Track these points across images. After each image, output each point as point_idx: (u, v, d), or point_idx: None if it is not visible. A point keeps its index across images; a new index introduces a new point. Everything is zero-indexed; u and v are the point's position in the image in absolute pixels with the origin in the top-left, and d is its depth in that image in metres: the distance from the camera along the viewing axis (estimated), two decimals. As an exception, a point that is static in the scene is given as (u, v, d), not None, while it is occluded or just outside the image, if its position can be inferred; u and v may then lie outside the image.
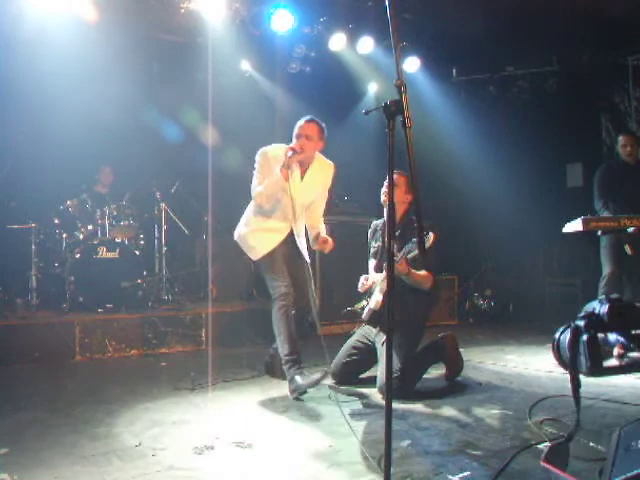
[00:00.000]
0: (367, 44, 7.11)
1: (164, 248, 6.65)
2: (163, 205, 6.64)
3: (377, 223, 4.41)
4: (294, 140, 3.93)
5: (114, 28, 5.85)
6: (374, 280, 4.15)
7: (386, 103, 2.14)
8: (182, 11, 5.99)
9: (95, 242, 5.93)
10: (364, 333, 4.23)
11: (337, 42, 7.01)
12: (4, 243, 5.90)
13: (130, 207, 6.38)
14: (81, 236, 6.12)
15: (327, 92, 7.49)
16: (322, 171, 4.10)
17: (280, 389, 4.04)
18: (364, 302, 4.21)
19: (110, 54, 5.87)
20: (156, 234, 6.75)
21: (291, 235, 4.02)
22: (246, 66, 7.32)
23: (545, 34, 6.78)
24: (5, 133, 5.94)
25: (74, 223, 6.18)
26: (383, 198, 4.10)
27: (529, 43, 7.12)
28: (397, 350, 3.82)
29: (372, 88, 8.18)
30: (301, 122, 3.96)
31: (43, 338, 4.96)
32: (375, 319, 4.09)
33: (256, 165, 4.00)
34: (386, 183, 4.12)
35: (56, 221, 6.17)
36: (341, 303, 6.66)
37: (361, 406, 3.63)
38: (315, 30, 6.88)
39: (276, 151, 3.95)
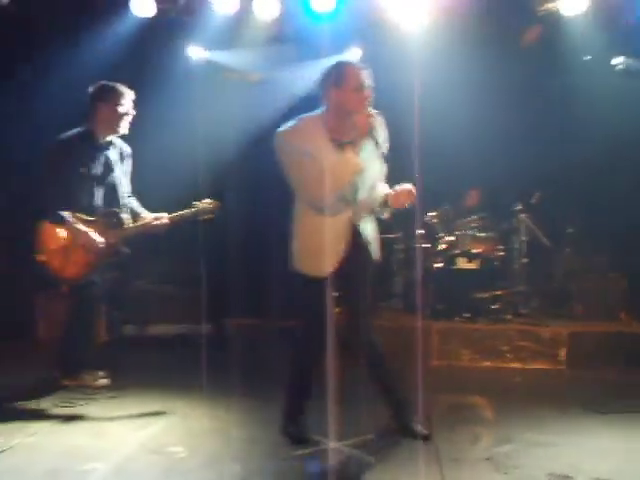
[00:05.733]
0: None
1: (523, 260, 6.44)
2: (523, 216, 6.45)
3: None
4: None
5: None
6: None
7: None
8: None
9: (455, 252, 6.14)
10: None
11: None
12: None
13: (489, 218, 6.40)
14: (443, 246, 6.37)
15: None
16: None
17: None
18: None
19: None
20: (515, 245, 6.59)
21: None
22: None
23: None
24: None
25: (435, 234, 6.46)
26: None
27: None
28: None
29: None
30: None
31: (403, 340, 5.27)
32: None
33: None
34: None
35: (421, 231, 6.53)
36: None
37: None
38: None
39: None
